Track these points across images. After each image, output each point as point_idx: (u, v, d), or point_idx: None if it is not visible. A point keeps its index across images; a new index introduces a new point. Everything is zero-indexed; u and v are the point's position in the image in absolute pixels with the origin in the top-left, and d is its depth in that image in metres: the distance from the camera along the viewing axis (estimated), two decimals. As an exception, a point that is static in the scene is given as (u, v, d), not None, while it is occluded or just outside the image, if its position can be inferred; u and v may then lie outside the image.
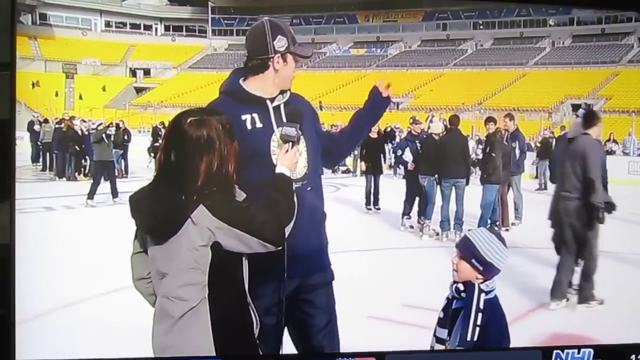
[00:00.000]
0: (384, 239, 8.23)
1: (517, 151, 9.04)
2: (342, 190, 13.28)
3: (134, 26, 50.64)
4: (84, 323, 4.59)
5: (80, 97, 39.91)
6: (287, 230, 2.04)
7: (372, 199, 10.30)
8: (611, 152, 17.90)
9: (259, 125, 2.29)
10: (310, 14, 47.14)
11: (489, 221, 8.28)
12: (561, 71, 35.83)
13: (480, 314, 2.13)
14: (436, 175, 8.32)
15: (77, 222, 9.27)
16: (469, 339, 2.09)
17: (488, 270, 2.20)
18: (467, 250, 2.22)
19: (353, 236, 8.02)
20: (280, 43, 2.26)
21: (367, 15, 46.36)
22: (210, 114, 2.03)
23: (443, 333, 2.23)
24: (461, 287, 2.20)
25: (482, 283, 2.20)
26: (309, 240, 2.32)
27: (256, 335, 2.08)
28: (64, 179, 15.44)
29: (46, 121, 20.47)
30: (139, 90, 44.60)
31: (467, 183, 8.30)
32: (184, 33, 50.11)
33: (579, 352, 1.98)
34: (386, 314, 4.76)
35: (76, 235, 7.24)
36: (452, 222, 8.19)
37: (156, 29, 51.14)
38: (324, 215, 2.46)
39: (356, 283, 4.95)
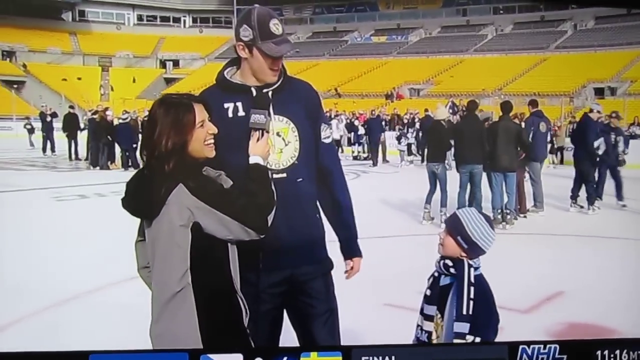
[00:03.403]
0: (401, 227, 8.06)
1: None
2: (361, 177, 13.16)
3: (164, 19, 51.06)
4: (111, 307, 4.63)
5: (112, 89, 40.34)
6: (270, 218, 1.96)
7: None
8: (635, 137, 17.35)
9: (241, 113, 2.20)
10: (332, 3, 46.84)
11: (499, 208, 8.00)
12: (583, 54, 34.88)
13: (472, 288, 2.11)
14: (447, 162, 8.09)
15: (108, 209, 9.36)
16: (464, 312, 2.06)
17: (472, 249, 2.17)
18: (454, 227, 2.20)
19: (370, 224, 7.90)
20: (245, 33, 2.17)
21: (388, 2, 45.88)
22: (170, 94, 2.04)
23: (432, 310, 2.20)
24: (449, 262, 2.18)
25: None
26: (298, 232, 2.22)
27: (245, 324, 2.00)
28: (97, 167, 15.63)
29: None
30: (168, 81, 45.01)
31: (485, 169, 8.01)
32: (211, 24, 50.37)
33: (544, 348, 1.92)
34: (402, 302, 4.63)
35: (107, 222, 7.26)
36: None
37: (184, 21, 51.49)
38: (316, 207, 2.35)
39: (372, 271, 4.85)
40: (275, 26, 2.17)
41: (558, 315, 4.59)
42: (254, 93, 2.22)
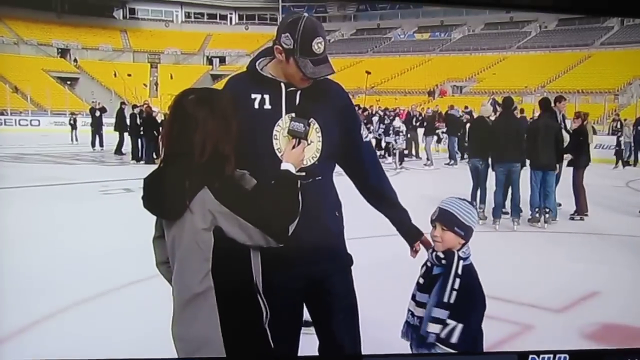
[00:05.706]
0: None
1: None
2: (403, 174, 13.05)
3: (211, 16, 51.69)
4: (155, 298, 4.69)
5: (157, 85, 41.07)
6: (292, 228, 1.92)
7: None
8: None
9: (267, 106, 2.16)
10: (375, 0, 46.53)
11: (537, 207, 7.77)
12: (630, 51, 33.69)
13: (457, 279, 2.20)
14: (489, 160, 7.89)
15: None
16: (445, 300, 2.17)
17: (467, 233, 2.28)
18: (449, 221, 2.28)
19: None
20: (286, 41, 2.09)
21: (432, -1, 45.34)
22: (211, 92, 1.97)
23: (424, 297, 2.28)
24: (441, 255, 2.27)
25: (460, 250, 2.26)
26: (316, 229, 2.18)
27: (265, 325, 1.97)
28: (142, 162, 15.92)
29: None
30: (215, 77, 45.51)
31: (522, 167, 7.79)
32: (257, 22, 50.71)
33: (554, 357, 1.90)
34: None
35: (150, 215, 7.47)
36: (504, 209, 7.81)
37: (231, 18, 52.02)
38: (334, 204, 2.32)
39: (407, 266, 4.82)
40: (318, 45, 2.09)
41: (592, 316, 4.47)
42: (284, 89, 2.17)
